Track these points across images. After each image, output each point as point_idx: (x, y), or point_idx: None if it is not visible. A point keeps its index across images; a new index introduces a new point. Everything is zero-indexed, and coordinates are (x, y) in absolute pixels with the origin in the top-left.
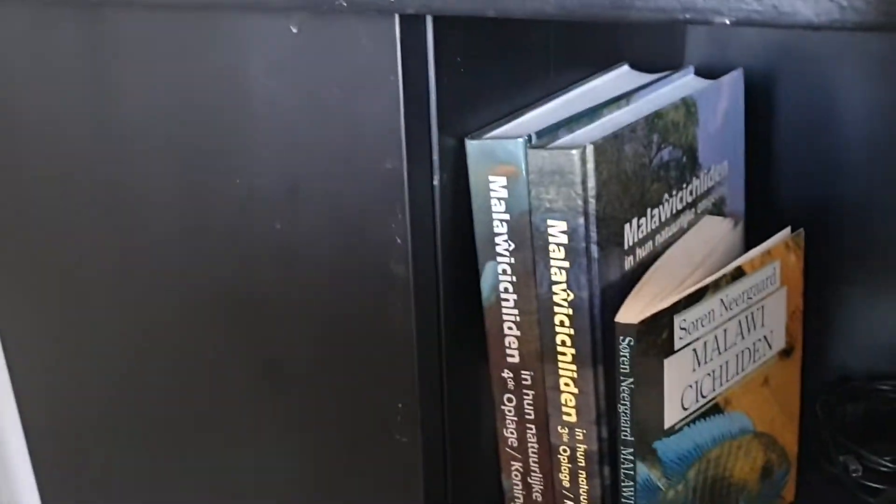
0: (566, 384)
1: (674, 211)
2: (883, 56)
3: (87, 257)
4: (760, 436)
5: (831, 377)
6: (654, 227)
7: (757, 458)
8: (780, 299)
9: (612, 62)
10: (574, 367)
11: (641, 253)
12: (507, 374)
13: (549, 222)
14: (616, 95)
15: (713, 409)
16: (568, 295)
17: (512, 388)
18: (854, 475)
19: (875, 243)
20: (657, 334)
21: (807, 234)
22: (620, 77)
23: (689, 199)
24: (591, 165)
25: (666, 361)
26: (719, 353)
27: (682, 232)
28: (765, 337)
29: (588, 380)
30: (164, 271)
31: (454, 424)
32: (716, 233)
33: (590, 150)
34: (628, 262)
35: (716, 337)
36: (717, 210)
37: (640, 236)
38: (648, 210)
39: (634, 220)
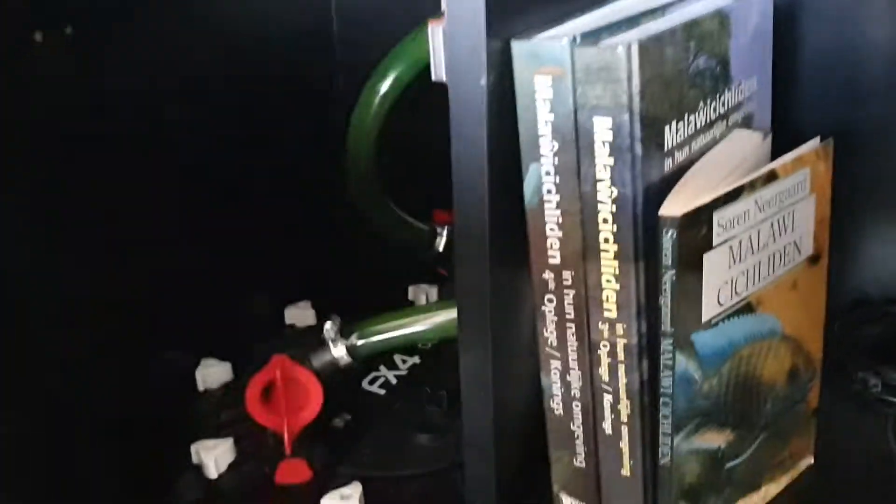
0: (608, 281)
1: (708, 120)
2: None
3: None
4: (788, 339)
5: (848, 300)
6: (690, 132)
7: (785, 360)
8: (809, 206)
9: None
10: (616, 263)
11: (679, 157)
12: (548, 275)
13: (595, 119)
14: (651, 7)
15: (746, 308)
16: (612, 192)
17: (552, 288)
18: (874, 390)
19: (894, 167)
20: (697, 229)
21: None
22: None
23: (722, 111)
24: (636, 63)
25: (705, 256)
26: (753, 252)
27: (715, 142)
28: (794, 242)
29: (629, 275)
30: None
31: (495, 327)
32: (746, 145)
33: (635, 47)
34: (667, 165)
35: (750, 237)
36: (746, 125)
37: (679, 140)
38: (686, 115)
39: (674, 123)
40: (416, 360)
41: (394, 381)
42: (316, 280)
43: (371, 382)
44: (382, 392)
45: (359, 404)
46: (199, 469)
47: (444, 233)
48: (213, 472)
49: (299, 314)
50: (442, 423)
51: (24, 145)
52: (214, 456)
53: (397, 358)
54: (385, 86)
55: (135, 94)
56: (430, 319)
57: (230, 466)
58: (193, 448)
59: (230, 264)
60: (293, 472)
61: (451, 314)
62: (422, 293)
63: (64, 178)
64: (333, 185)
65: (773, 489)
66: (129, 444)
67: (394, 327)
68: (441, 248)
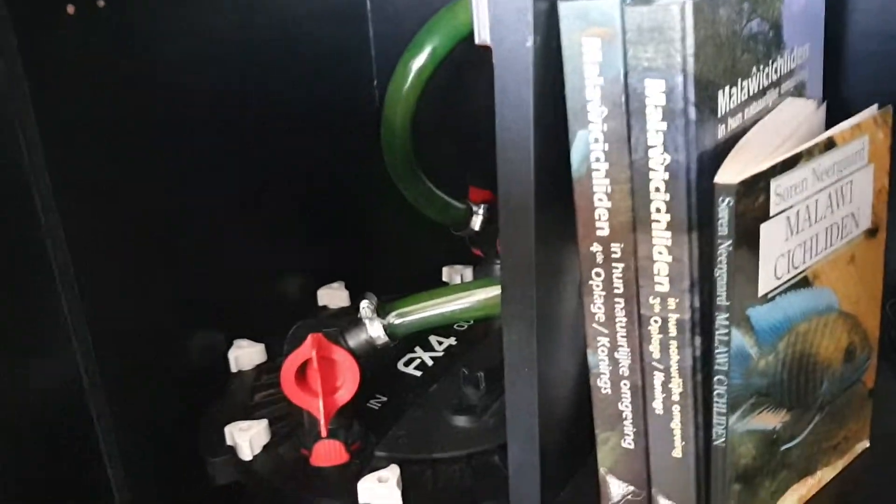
0: (659, 253)
1: (761, 87)
2: None
3: None
4: (845, 315)
5: None
6: (743, 99)
7: (841, 338)
8: (867, 176)
9: None
10: (669, 233)
11: (732, 124)
12: (595, 247)
13: (647, 82)
14: None
15: (803, 282)
16: (664, 159)
17: (601, 262)
18: None
19: None
20: (754, 197)
21: None
22: None
23: (774, 78)
24: (690, 22)
25: (762, 226)
26: (810, 224)
27: (768, 111)
28: (852, 213)
29: (682, 246)
30: None
31: (540, 303)
32: (800, 114)
33: (689, 6)
34: (721, 132)
35: (807, 207)
36: (799, 94)
37: (732, 107)
38: (739, 80)
39: (727, 88)
40: (452, 341)
41: (430, 362)
42: (349, 262)
43: (407, 364)
44: (418, 374)
45: (394, 386)
46: (233, 451)
47: (481, 211)
48: (247, 454)
49: (332, 295)
50: (479, 404)
51: (56, 120)
52: (249, 437)
53: (433, 339)
54: (421, 59)
55: (167, 69)
56: (468, 298)
57: (265, 448)
58: (228, 430)
59: (263, 245)
60: (329, 454)
61: (490, 292)
62: (456, 274)
63: (92, 154)
64: (367, 165)
65: (828, 473)
66: (161, 424)
67: (432, 306)
68: (477, 227)
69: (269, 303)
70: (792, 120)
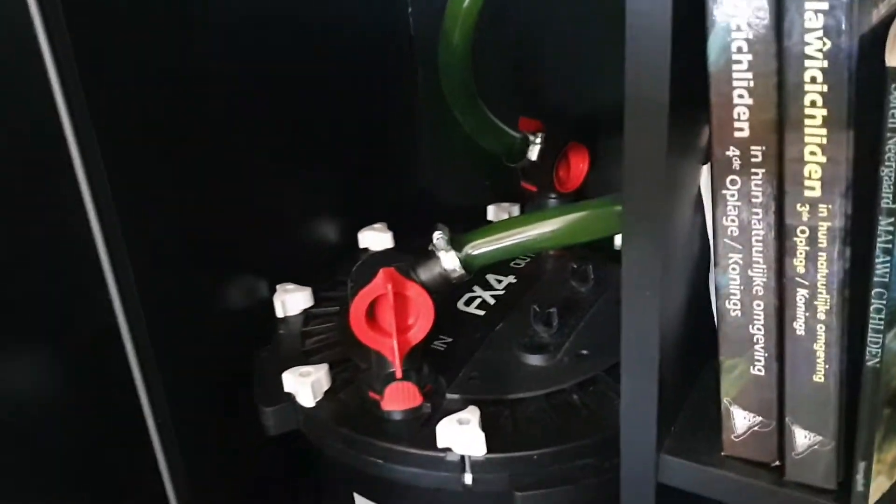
0: (812, 153)
1: None
2: None
3: None
4: None
5: None
6: None
7: None
8: None
9: None
10: (824, 131)
11: (882, 8)
12: (732, 152)
13: None
14: None
15: None
16: (824, 44)
17: (737, 168)
18: None
19: None
20: None
21: None
22: None
23: None
24: None
25: None
26: None
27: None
28: None
29: (840, 144)
30: None
31: (664, 218)
32: None
33: None
34: (874, 15)
35: None
36: None
37: None
38: None
39: None
40: (511, 279)
41: (491, 301)
42: (389, 202)
43: (467, 303)
44: (481, 313)
45: (457, 326)
46: (291, 398)
47: (539, 140)
48: (309, 401)
49: (375, 237)
50: (552, 342)
51: (117, 77)
52: (311, 383)
53: (491, 278)
54: None
55: (221, 26)
56: (547, 225)
57: (325, 394)
58: (286, 376)
59: (301, 186)
60: (403, 396)
61: (571, 217)
62: (503, 212)
63: (135, 98)
64: (403, 101)
65: None
66: (208, 372)
67: (510, 235)
68: (535, 157)
69: (309, 246)
70: None
